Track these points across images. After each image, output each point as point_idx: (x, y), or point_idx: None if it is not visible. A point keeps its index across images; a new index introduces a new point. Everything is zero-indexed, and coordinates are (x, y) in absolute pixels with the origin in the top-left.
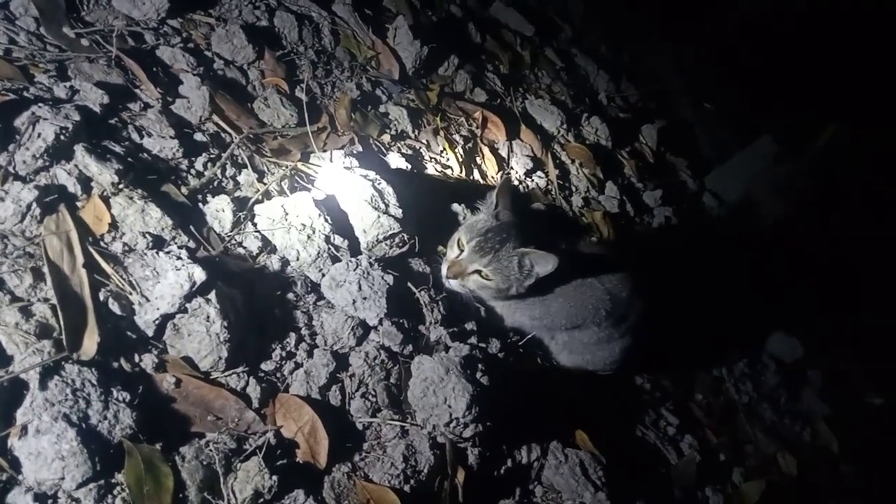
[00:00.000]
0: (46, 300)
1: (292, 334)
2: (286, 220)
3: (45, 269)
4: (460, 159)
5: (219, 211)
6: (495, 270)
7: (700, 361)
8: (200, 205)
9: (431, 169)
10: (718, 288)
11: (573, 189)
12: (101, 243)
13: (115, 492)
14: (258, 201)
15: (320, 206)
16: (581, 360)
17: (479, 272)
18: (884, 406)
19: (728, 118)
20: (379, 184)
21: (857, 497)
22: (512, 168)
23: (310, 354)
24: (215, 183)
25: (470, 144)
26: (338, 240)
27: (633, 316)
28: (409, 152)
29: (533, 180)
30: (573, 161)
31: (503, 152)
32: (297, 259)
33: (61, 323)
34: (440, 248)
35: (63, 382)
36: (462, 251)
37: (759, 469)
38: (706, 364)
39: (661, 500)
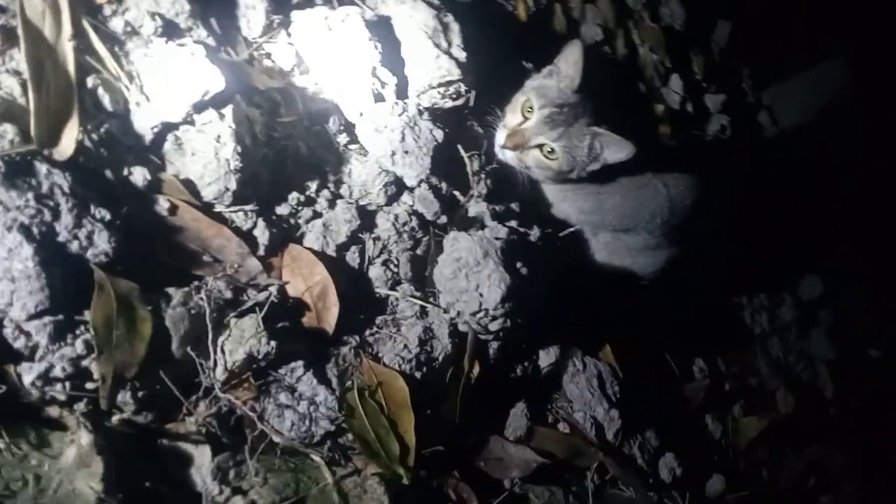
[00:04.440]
0: (17, 73)
1: (315, 177)
2: (328, 36)
3: (20, 32)
4: (529, 10)
5: (249, 7)
6: (564, 148)
7: (726, 285)
8: None
9: (498, 15)
10: (754, 211)
11: (638, 74)
12: (99, 16)
13: (76, 331)
14: (297, 6)
15: (371, 28)
16: (620, 264)
17: (541, 147)
18: (880, 358)
19: (796, 29)
20: (445, 16)
21: (837, 444)
22: (580, 35)
23: (332, 205)
24: None
25: None
26: (385, 75)
27: (689, 226)
28: None
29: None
30: (643, 42)
31: (575, 14)
32: (335, 87)
33: (32, 106)
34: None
35: (26, 183)
36: (527, 119)
37: (758, 404)
38: (731, 289)
39: (667, 424)
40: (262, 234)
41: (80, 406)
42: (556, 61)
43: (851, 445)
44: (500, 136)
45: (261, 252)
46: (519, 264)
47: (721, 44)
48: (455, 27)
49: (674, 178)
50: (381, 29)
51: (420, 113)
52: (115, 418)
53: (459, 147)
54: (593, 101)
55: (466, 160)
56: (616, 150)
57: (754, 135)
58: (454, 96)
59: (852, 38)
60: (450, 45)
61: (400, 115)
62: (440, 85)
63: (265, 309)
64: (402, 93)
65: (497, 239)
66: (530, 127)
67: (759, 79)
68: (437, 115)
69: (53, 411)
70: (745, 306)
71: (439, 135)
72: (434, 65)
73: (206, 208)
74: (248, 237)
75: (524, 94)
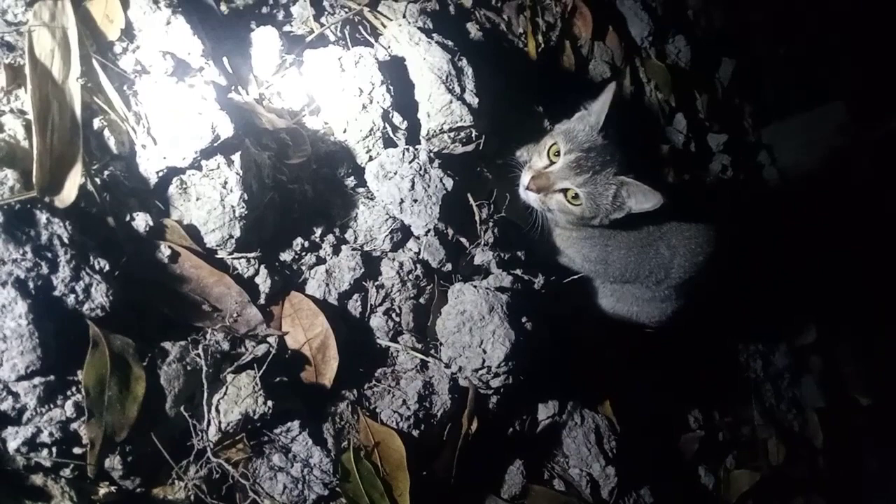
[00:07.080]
0: (22, 113)
1: (321, 222)
2: (340, 77)
3: (27, 71)
4: (539, 48)
5: (262, 45)
6: (588, 195)
7: (725, 330)
8: (241, 32)
9: (508, 53)
10: (754, 253)
11: (643, 113)
12: (109, 54)
13: (67, 392)
14: (310, 45)
15: (384, 70)
16: (625, 311)
17: (566, 192)
18: (870, 407)
19: (801, 70)
20: (459, 60)
21: (826, 496)
22: (588, 74)
23: (336, 251)
24: (263, 7)
25: (553, 34)
26: (397, 119)
27: (698, 280)
28: (488, 26)
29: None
30: (649, 80)
31: (584, 51)
32: (345, 131)
33: (35, 150)
34: (518, 151)
35: (24, 234)
36: (553, 162)
37: (750, 455)
38: (729, 334)
39: (661, 478)
40: (263, 282)
41: (66, 472)
42: (591, 105)
43: (839, 497)
44: (525, 178)
45: (261, 300)
46: (524, 318)
47: (725, 82)
48: (469, 71)
49: (686, 239)
50: (395, 71)
51: (431, 160)
52: (103, 491)
53: (469, 196)
54: (623, 150)
55: (475, 209)
56: (643, 199)
57: (754, 175)
58: (464, 141)
59: (854, 83)
60: (463, 90)
61: (411, 163)
62: (451, 130)
63: (264, 366)
64: (413, 138)
65: (502, 291)
66: (557, 171)
67: (759, 117)
68: (446, 161)
69: (37, 479)
70: (741, 352)
71: (449, 183)
72: (446, 110)
73: (208, 255)
74: (249, 285)
75: (552, 138)
